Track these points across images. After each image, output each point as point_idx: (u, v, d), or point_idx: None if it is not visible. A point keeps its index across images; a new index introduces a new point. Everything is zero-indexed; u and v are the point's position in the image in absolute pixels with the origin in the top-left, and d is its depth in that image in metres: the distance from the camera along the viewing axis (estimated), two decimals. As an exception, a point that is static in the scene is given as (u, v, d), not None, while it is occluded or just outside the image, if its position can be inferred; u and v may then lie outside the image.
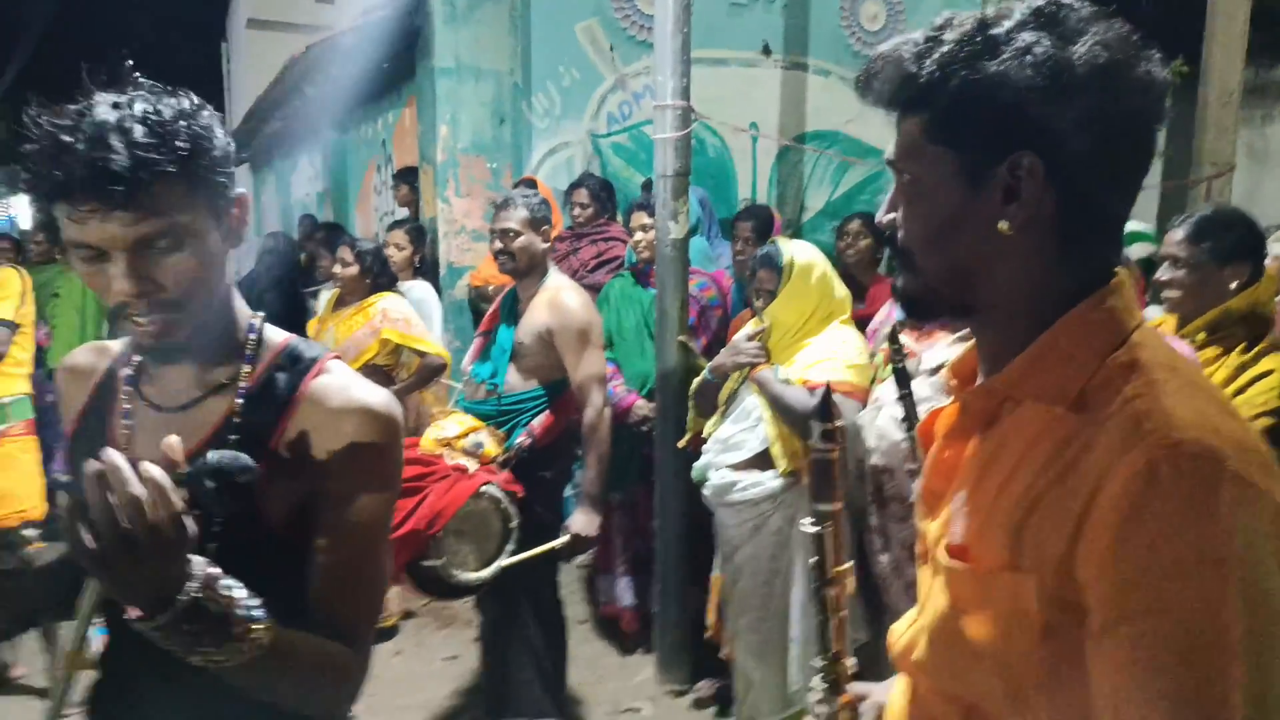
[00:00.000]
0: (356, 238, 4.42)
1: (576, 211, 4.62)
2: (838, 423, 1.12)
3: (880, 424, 2.68)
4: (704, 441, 3.09)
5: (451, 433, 2.99)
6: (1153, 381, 0.81)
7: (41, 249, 5.77)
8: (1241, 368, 2.35)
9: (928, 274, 0.93)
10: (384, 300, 4.08)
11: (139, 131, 1.00)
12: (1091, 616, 0.77)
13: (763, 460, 2.85)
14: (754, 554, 2.86)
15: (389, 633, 4.26)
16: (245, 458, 1.00)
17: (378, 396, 1.18)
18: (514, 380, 3.12)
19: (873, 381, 2.84)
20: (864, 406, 2.81)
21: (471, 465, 2.92)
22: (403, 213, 5.91)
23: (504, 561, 2.84)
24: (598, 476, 3.06)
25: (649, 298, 3.93)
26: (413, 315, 4.11)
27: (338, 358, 1.25)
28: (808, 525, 1.12)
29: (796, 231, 6.24)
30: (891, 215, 0.97)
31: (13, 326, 3.64)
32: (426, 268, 5.18)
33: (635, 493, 3.94)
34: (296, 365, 1.21)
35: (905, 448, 2.61)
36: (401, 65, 5.71)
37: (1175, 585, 0.72)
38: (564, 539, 3.02)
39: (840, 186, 6.45)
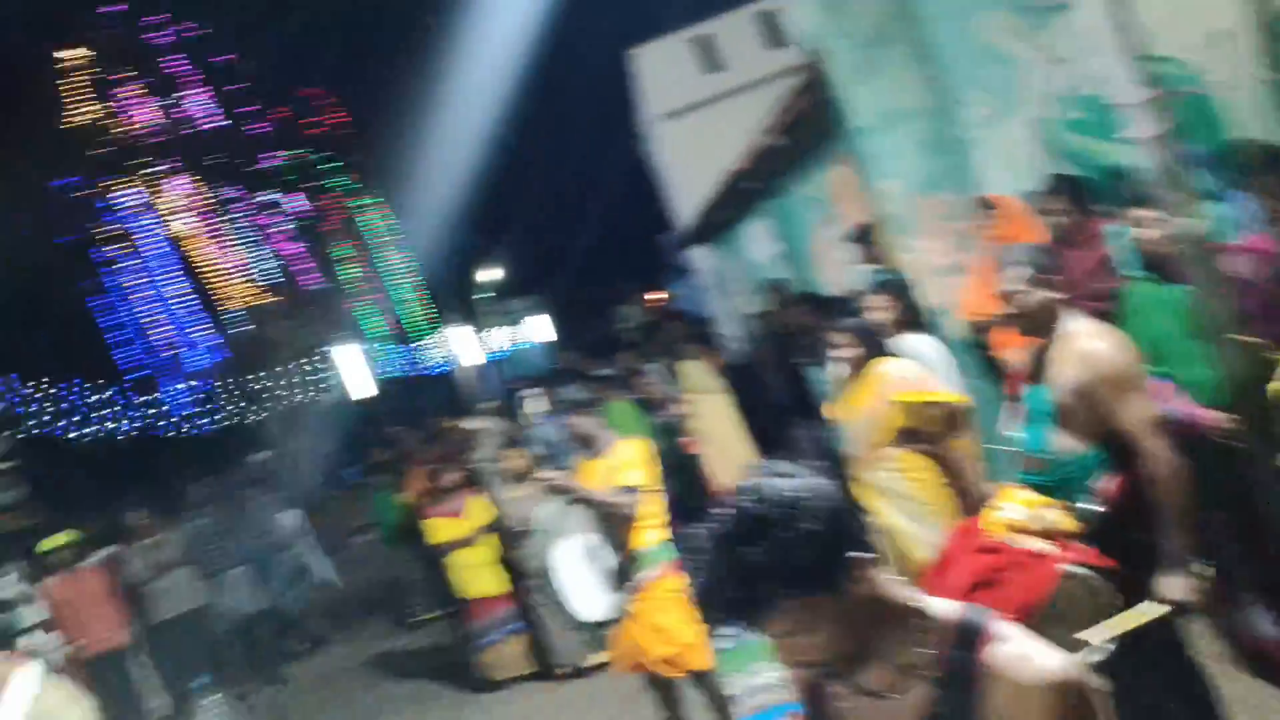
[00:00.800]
0: (847, 319, 4.47)
1: (1056, 220, 4.34)
2: None
3: None
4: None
5: (1015, 515, 2.95)
6: None
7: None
8: None
9: None
10: (881, 366, 4.09)
11: None
12: None
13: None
14: None
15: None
16: None
17: (1060, 662, 1.21)
18: (1065, 444, 3.00)
19: None
20: None
21: (1048, 546, 2.85)
22: (865, 269, 5.98)
23: (1094, 649, 2.67)
24: (1176, 533, 2.79)
25: (1179, 294, 3.53)
26: (914, 370, 4.08)
27: (1002, 619, 1.31)
28: None
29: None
30: None
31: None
32: (918, 320, 5.17)
33: (1220, 519, 3.53)
34: (968, 637, 1.28)
35: None
36: (822, 129, 5.85)
37: None
38: (1160, 609, 2.74)
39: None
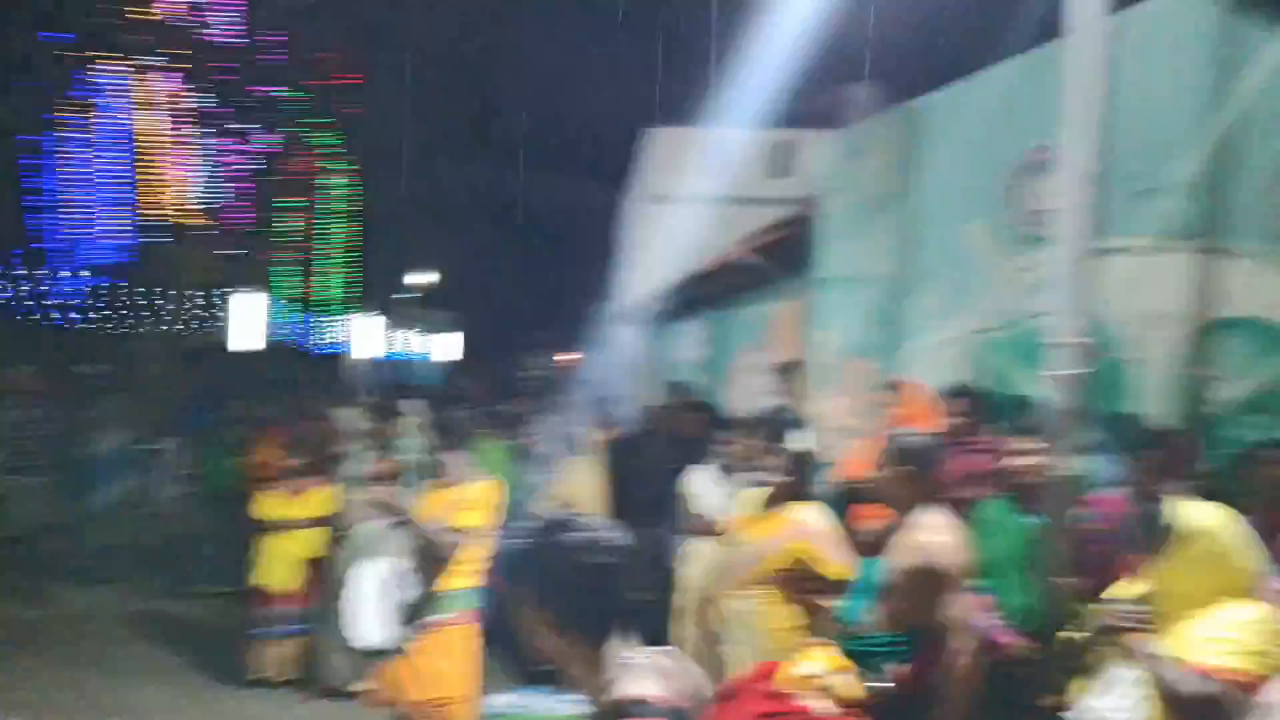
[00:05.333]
0: (792, 446, 4.40)
1: (950, 421, 4.57)
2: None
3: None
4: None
5: (815, 670, 3.03)
6: None
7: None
8: None
9: None
10: (800, 511, 4.04)
11: None
12: None
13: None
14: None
15: None
16: None
17: None
18: (879, 621, 3.12)
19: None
20: (1253, 701, 2.45)
21: (830, 708, 2.93)
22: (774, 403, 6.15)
23: None
24: None
25: (1026, 525, 3.75)
26: (826, 530, 4.03)
27: None
28: None
29: (1210, 432, 5.61)
30: None
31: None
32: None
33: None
34: None
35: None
36: (788, 268, 6.09)
37: None
38: None
39: (1257, 379, 5.73)
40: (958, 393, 4.67)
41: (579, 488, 6.28)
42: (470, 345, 29.49)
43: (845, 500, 4.95)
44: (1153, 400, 5.63)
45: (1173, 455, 3.88)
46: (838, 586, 3.97)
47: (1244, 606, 2.62)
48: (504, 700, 6.05)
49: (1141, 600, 2.73)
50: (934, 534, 3.07)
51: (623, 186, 20.27)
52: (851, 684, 3.00)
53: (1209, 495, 3.09)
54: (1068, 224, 3.40)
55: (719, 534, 5.02)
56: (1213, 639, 2.57)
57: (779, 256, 5.98)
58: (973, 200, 5.49)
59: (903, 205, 5.45)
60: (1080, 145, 3.44)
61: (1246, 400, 5.71)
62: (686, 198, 15.78)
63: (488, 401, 8.49)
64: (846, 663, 3.06)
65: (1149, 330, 5.56)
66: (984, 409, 4.62)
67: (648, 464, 6.88)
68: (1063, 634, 3.10)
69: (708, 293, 8.49)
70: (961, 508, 4.07)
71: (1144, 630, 2.67)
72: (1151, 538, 2.71)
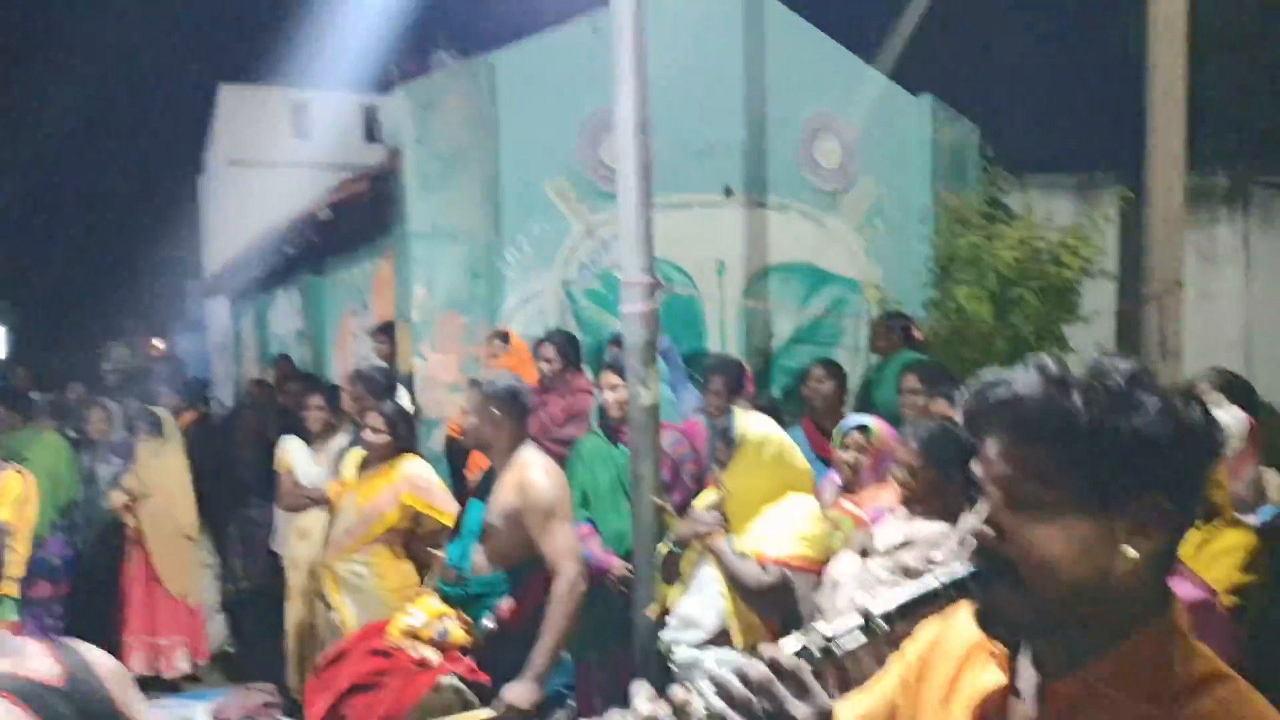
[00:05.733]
0: (385, 404, 4.32)
1: (544, 366, 4.73)
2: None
3: (839, 605, 2.73)
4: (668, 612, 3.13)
5: (418, 621, 3.01)
6: (1240, 692, 0.95)
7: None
8: (1201, 544, 2.44)
9: (1038, 594, 0.98)
10: (407, 464, 4.07)
11: None
12: None
13: (723, 636, 2.89)
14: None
15: None
16: None
17: None
18: (481, 562, 3.14)
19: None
20: (819, 580, 2.85)
21: (435, 657, 2.93)
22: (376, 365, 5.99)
23: None
24: (547, 649, 2.93)
25: (622, 455, 3.99)
26: (435, 481, 4.10)
27: None
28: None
29: (766, 361, 6.39)
30: (990, 530, 1.01)
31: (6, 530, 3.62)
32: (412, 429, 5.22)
33: (613, 655, 3.93)
34: None
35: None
36: (378, 225, 5.90)
37: None
38: (494, 711, 2.88)
39: (805, 315, 6.62)
40: (548, 338, 4.84)
41: (160, 474, 5.65)
42: (22, 337, 25.30)
43: (457, 455, 4.96)
44: (721, 336, 6.30)
45: (733, 380, 4.33)
46: (447, 537, 4.00)
47: (800, 501, 3.01)
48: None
49: (715, 506, 3.02)
50: (533, 471, 3.15)
51: (201, 151, 18.45)
52: (457, 629, 3.01)
53: (770, 413, 3.51)
54: (629, 179, 3.61)
55: (322, 503, 4.82)
56: (776, 533, 2.91)
57: (364, 213, 5.76)
58: (552, 156, 5.69)
59: (486, 160, 5.51)
60: (631, 105, 3.62)
61: (796, 333, 6.59)
62: (271, 162, 14.80)
63: (35, 390, 7.32)
64: (450, 610, 3.06)
65: (713, 276, 6.21)
66: (574, 353, 4.83)
67: (243, 443, 6.40)
68: (659, 547, 3.35)
69: (298, 259, 7.99)
70: (564, 446, 4.27)
71: (718, 532, 2.96)
72: (724, 449, 3.01)
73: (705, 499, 3.16)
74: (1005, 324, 5.89)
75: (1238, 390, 3.27)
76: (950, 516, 2.71)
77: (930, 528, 2.67)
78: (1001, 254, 5.91)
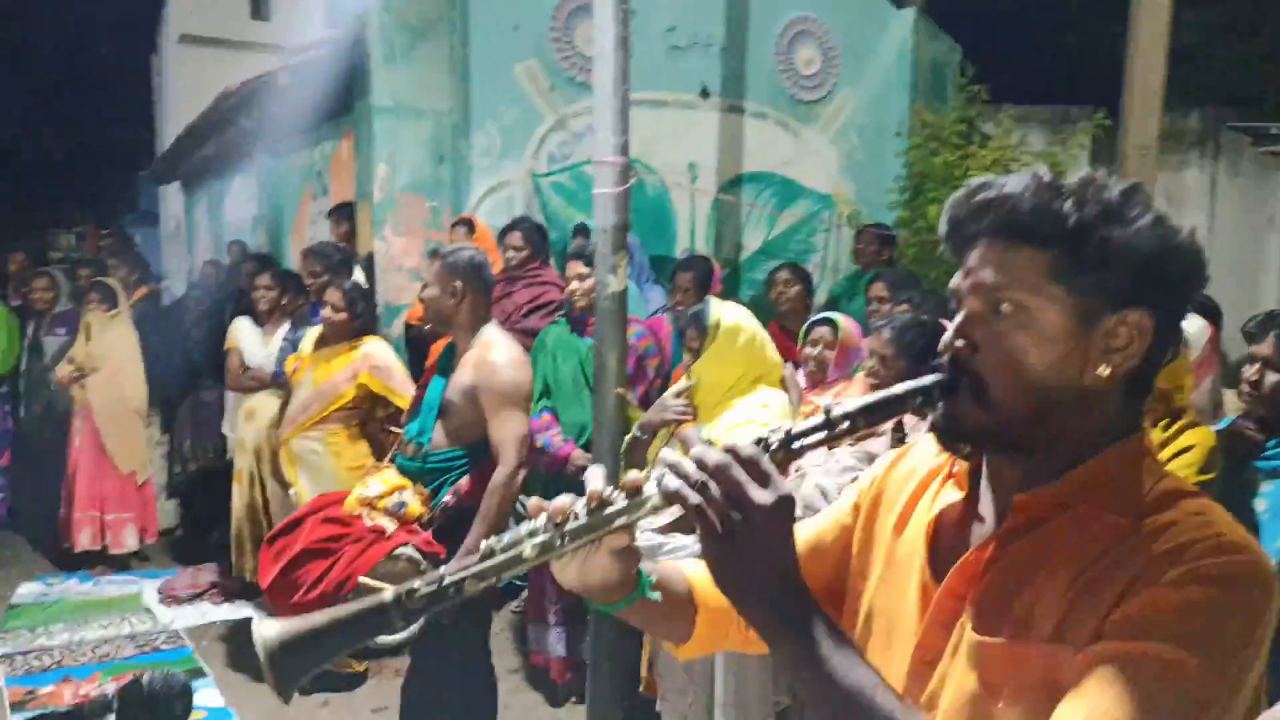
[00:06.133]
0: (343, 280, 4.27)
1: (510, 254, 4.63)
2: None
3: (805, 493, 2.73)
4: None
5: (374, 492, 2.96)
6: (1208, 505, 0.95)
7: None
8: (1163, 444, 2.46)
9: (1004, 405, 0.97)
10: (367, 345, 4.01)
11: None
12: (1100, 643, 0.87)
13: (688, 522, 2.88)
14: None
15: (361, 677, 4.22)
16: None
17: None
18: (440, 438, 3.08)
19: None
20: (785, 471, 2.86)
21: (391, 526, 2.90)
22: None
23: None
24: (477, 536, 2.86)
25: (585, 346, 3.95)
26: (394, 363, 4.05)
27: None
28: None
29: (734, 270, 6.34)
30: (962, 342, 0.99)
31: None
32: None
33: (568, 542, 3.94)
34: None
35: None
36: (339, 99, 5.68)
37: (1201, 639, 0.84)
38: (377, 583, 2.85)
39: (776, 226, 6.57)
40: (514, 225, 4.73)
41: (109, 347, 5.50)
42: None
43: (416, 343, 4.88)
44: (690, 242, 6.23)
45: (702, 276, 4.27)
46: (407, 417, 3.95)
47: (769, 394, 2.99)
48: (32, 589, 5.32)
49: (684, 394, 2.99)
50: (495, 350, 3.07)
51: (154, 28, 17.60)
52: (415, 501, 2.98)
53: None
54: (607, 50, 3.46)
55: (266, 386, 4.75)
56: (743, 422, 2.89)
57: (325, 83, 5.51)
58: (525, 37, 5.49)
59: (455, 36, 5.29)
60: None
61: (765, 245, 6.54)
62: (228, 42, 14.17)
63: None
64: (406, 483, 3.02)
65: (685, 179, 6.09)
66: (542, 242, 4.74)
67: (194, 323, 6.25)
68: (626, 437, 3.31)
69: (254, 140, 7.69)
70: (528, 336, 4.20)
71: (686, 420, 2.94)
72: (695, 335, 2.97)
73: (675, 387, 3.12)
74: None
75: (1200, 301, 3.31)
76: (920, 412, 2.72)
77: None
78: (975, 174, 5.86)
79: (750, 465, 0.91)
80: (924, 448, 1.20)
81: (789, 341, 4.13)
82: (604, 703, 3.70)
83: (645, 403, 3.75)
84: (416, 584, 0.96)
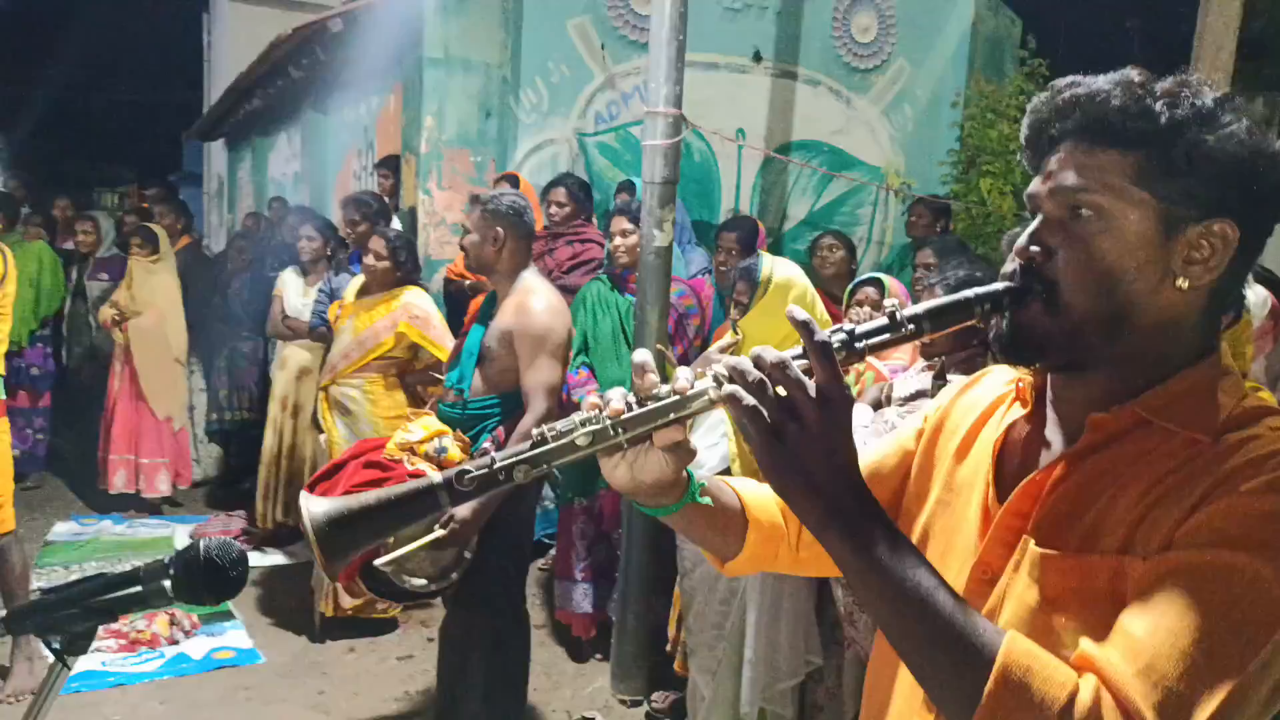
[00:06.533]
0: (388, 229, 4.29)
1: (553, 210, 4.57)
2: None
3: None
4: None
5: (415, 437, 2.93)
6: None
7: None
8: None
9: (1077, 313, 0.92)
10: (408, 294, 3.99)
11: None
12: (1169, 552, 0.82)
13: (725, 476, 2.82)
14: (712, 573, 2.84)
15: (391, 624, 4.22)
16: None
17: None
18: (479, 385, 3.05)
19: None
20: None
21: (432, 470, 2.86)
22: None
23: (385, 559, 2.68)
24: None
25: (626, 303, 3.89)
26: (434, 313, 4.03)
27: None
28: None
29: (777, 240, 6.23)
30: (1037, 248, 0.95)
31: None
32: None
33: (599, 499, 3.90)
34: None
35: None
36: (389, 52, 5.63)
37: (1275, 550, 0.79)
38: (441, 531, 2.73)
39: (823, 197, 6.44)
40: (559, 181, 4.67)
41: (152, 292, 5.53)
42: (18, 162, 24.64)
43: (455, 298, 4.85)
44: (735, 207, 6.12)
45: (748, 236, 4.19)
46: (443, 367, 3.92)
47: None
48: (68, 528, 5.34)
49: (730, 349, 2.92)
50: (535, 296, 3.02)
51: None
52: (455, 447, 2.94)
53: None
54: (663, 17, 3.38)
55: (302, 335, 4.76)
56: None
57: (376, 33, 5.46)
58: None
59: (509, -7, 5.23)
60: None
61: (810, 215, 6.42)
62: (280, 1, 14.17)
63: (26, 206, 7.11)
64: (446, 429, 2.99)
65: (733, 144, 5.97)
66: (586, 199, 4.67)
67: (234, 273, 6.26)
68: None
69: (301, 94, 7.68)
70: (568, 294, 4.14)
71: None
72: (745, 289, 2.89)
73: (720, 341, 3.05)
74: (1025, 220, 5.73)
75: (1263, 274, 3.21)
76: (969, 369, 2.63)
77: (949, 380, 2.58)
78: (1032, 148, 5.71)
79: (815, 357, 0.85)
80: (991, 379, 1.16)
81: (834, 307, 4.04)
82: (628, 660, 3.67)
83: (684, 363, 3.69)
84: (468, 465, 0.92)
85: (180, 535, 5.38)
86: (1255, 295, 2.94)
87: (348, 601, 4.03)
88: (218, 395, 6.13)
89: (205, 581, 1.04)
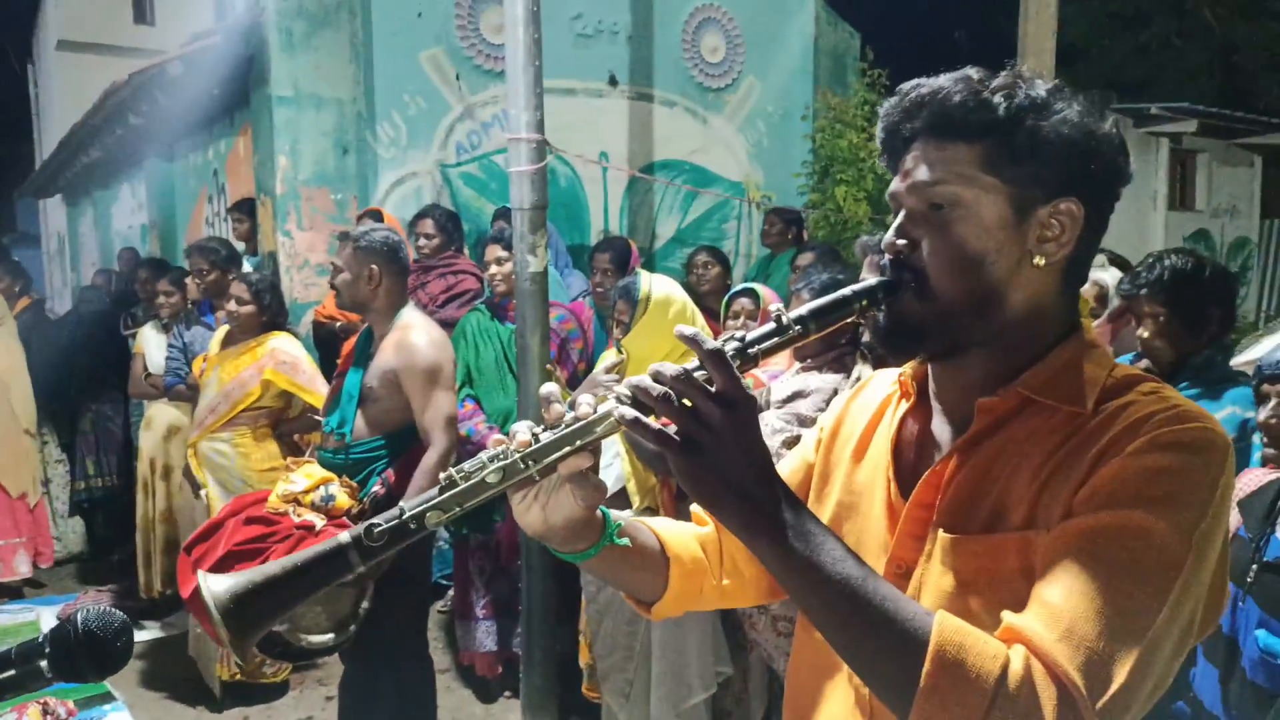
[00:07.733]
0: (249, 273, 4.12)
1: (422, 242, 4.51)
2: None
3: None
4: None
5: (299, 487, 2.83)
6: (1161, 385, 0.98)
7: None
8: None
9: (946, 297, 0.97)
10: (274, 340, 3.82)
11: None
12: (1068, 520, 0.87)
13: (621, 498, 2.83)
14: (617, 594, 2.83)
15: (283, 687, 4.04)
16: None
17: None
18: (362, 428, 2.97)
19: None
20: None
21: (320, 521, 2.77)
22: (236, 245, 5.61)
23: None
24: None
25: (507, 332, 3.87)
26: (303, 358, 3.86)
27: None
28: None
29: (649, 258, 6.32)
30: (903, 241, 1.00)
31: None
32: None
33: (496, 532, 3.85)
34: None
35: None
36: (234, 92, 5.45)
37: (1166, 502, 0.85)
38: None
39: (689, 214, 6.58)
40: (425, 213, 4.61)
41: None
42: None
43: (326, 341, 4.71)
44: (604, 229, 6.18)
45: (621, 256, 4.23)
46: (316, 412, 3.80)
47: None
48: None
49: (615, 369, 2.94)
50: (416, 332, 2.97)
51: (30, 35, 16.71)
52: (343, 494, 2.85)
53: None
54: (518, 27, 3.39)
55: (169, 395, 4.53)
56: None
57: (220, 72, 5.26)
58: (429, 25, 5.36)
59: (356, 22, 5.13)
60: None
61: (679, 232, 6.54)
62: (109, 48, 13.52)
63: None
64: (331, 476, 2.90)
65: (596, 167, 6.03)
66: (455, 230, 4.62)
67: (88, 334, 5.90)
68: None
69: (143, 143, 7.32)
70: (446, 327, 4.08)
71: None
72: (625, 308, 2.91)
73: (606, 362, 3.06)
74: (882, 225, 5.99)
75: (1116, 258, 3.46)
76: (843, 369, 2.73)
77: (823, 379, 2.67)
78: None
79: (712, 366, 0.87)
80: (879, 382, 1.22)
81: (713, 322, 4.12)
82: (538, 694, 3.62)
83: (570, 386, 3.69)
84: (376, 520, 0.89)
85: (47, 618, 5.00)
86: (1111, 276, 3.15)
87: (232, 666, 3.84)
88: (83, 463, 5.76)
89: (88, 655, 0.96)
